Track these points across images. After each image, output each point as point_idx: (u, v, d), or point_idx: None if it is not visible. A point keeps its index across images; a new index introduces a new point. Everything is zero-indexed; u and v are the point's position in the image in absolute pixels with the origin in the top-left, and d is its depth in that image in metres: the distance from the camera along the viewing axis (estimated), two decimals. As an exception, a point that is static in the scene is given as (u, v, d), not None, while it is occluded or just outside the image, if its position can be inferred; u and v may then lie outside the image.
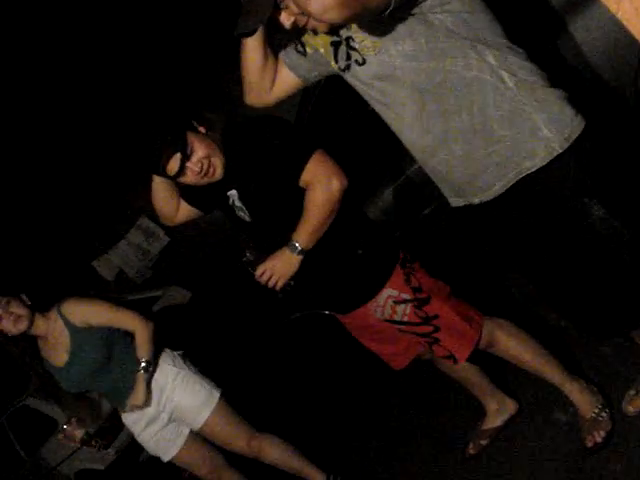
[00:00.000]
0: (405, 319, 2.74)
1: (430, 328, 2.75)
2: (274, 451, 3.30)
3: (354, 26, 1.90)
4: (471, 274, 3.72)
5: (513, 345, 2.84)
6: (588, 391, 2.80)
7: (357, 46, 1.94)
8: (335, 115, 4.43)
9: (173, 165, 2.53)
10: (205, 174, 2.57)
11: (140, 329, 3.14)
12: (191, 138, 2.55)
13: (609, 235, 1.98)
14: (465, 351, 2.77)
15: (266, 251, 2.79)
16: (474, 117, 1.89)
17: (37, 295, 3.18)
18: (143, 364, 3.09)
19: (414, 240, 3.63)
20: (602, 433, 2.68)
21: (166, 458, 3.27)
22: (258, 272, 2.63)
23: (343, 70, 2.04)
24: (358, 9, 1.64)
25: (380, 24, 1.84)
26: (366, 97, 2.05)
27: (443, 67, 1.85)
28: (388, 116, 2.03)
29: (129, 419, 3.27)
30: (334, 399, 4.51)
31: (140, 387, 3.13)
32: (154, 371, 3.17)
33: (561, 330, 3.25)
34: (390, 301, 2.74)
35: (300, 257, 2.59)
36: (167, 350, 3.28)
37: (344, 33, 1.95)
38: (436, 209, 3.86)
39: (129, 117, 6.34)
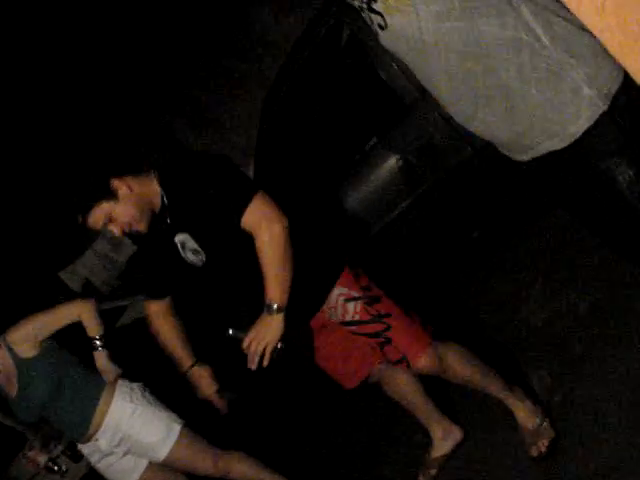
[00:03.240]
0: (356, 317, 2.74)
1: (382, 326, 2.74)
2: (242, 468, 3.28)
3: None
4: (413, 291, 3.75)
5: (457, 360, 2.86)
6: (528, 402, 2.86)
7: (380, 7, 1.80)
8: (302, 118, 4.40)
9: (96, 223, 2.58)
10: (129, 231, 2.60)
11: (83, 311, 3.08)
12: (109, 208, 2.54)
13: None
14: (418, 354, 2.77)
15: (222, 292, 2.76)
16: (512, 77, 1.78)
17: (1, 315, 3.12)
18: (97, 341, 3.04)
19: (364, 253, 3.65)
20: (545, 442, 2.73)
21: None
22: (245, 345, 2.59)
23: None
24: None
25: None
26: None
27: (477, 27, 1.73)
28: (422, 78, 1.92)
29: (85, 450, 3.21)
30: (291, 416, 4.52)
31: (103, 366, 3.06)
32: (106, 407, 3.10)
33: (499, 345, 3.32)
34: (341, 299, 2.74)
35: (281, 315, 2.56)
36: (125, 383, 3.19)
37: None
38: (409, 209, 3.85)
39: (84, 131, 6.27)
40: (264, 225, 2.51)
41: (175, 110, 6.98)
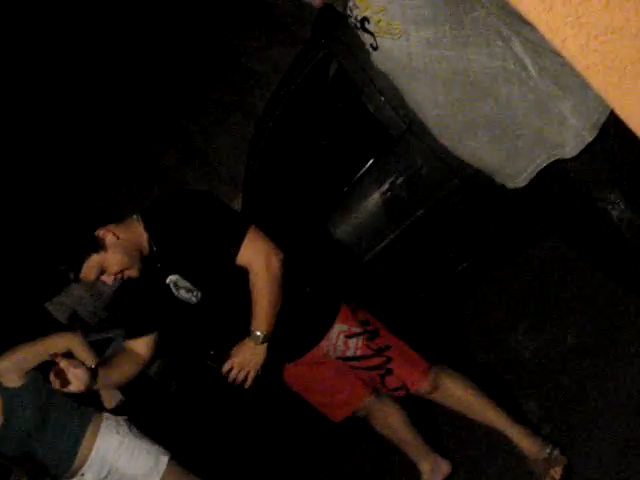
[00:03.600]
0: (358, 353, 2.75)
1: (383, 359, 2.76)
2: None
3: (371, 5, 1.77)
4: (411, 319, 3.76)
5: (457, 386, 2.85)
6: (532, 433, 2.82)
7: (372, 28, 1.81)
8: (290, 150, 4.41)
9: (89, 276, 2.54)
10: (122, 278, 2.58)
11: (71, 342, 3.06)
12: (100, 260, 2.52)
13: (630, 231, 1.89)
14: (417, 380, 2.78)
15: (217, 331, 2.75)
16: (499, 106, 1.79)
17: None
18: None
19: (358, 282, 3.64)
20: (559, 470, 2.69)
21: None
22: (225, 369, 2.59)
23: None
24: None
25: (401, 3, 1.71)
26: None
27: (466, 55, 1.75)
28: (410, 102, 1.94)
29: None
30: (279, 451, 4.50)
31: (102, 390, 3.04)
32: (92, 441, 3.06)
33: (487, 376, 3.32)
34: (342, 336, 2.75)
35: (265, 344, 2.57)
36: (110, 417, 3.18)
37: (359, 14, 1.82)
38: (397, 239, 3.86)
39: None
40: (261, 258, 2.54)
41: (163, 141, 7.00)
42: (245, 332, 2.62)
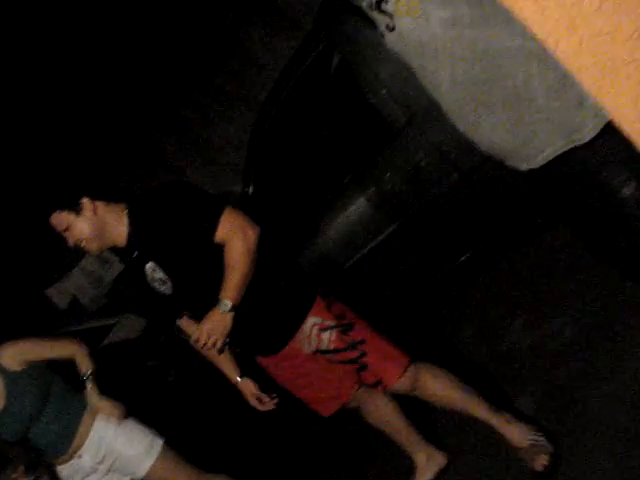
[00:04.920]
0: (332, 346, 2.78)
1: (357, 353, 2.78)
2: None
3: None
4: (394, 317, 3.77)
5: (438, 383, 2.87)
6: (516, 421, 2.81)
7: (390, 8, 1.77)
8: (291, 140, 4.41)
9: (56, 226, 2.83)
10: (79, 246, 2.80)
11: (76, 350, 3.15)
12: (69, 219, 2.77)
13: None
14: (395, 374, 2.79)
15: (195, 316, 2.83)
16: (518, 86, 1.76)
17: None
18: (89, 377, 3.10)
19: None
20: (545, 457, 2.68)
21: None
22: (193, 337, 2.68)
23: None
24: None
25: None
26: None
27: (486, 34, 1.72)
28: (426, 84, 1.91)
29: (64, 472, 3.19)
30: (274, 442, 4.50)
31: (99, 402, 3.10)
32: (90, 423, 3.12)
33: (484, 370, 3.32)
34: (315, 329, 2.78)
35: (232, 314, 2.65)
36: (108, 399, 3.22)
37: None
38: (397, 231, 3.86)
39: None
40: (238, 232, 2.65)
41: (165, 128, 6.99)
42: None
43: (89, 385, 3.13)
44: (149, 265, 2.79)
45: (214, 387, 4.84)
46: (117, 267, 7.04)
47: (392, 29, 1.82)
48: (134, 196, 2.92)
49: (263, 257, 2.71)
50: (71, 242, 2.79)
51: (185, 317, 2.90)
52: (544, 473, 2.74)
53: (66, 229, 2.78)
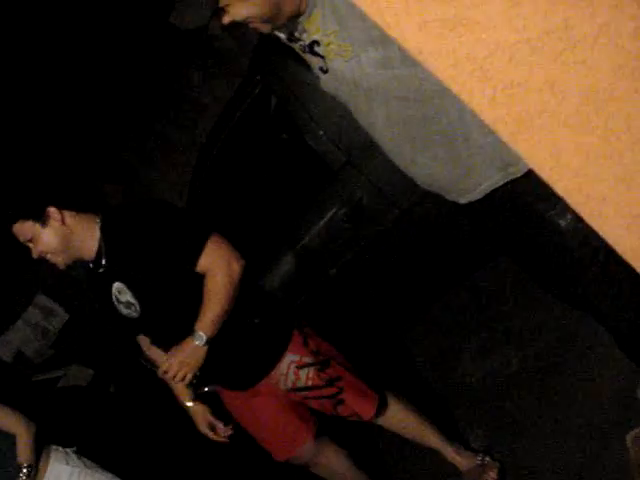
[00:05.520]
0: (309, 383, 2.73)
1: (334, 390, 2.76)
2: None
3: (321, 28, 1.76)
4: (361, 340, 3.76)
5: (399, 410, 2.89)
6: (465, 449, 2.91)
7: (322, 51, 1.80)
8: (232, 182, 4.40)
9: (19, 236, 2.60)
10: (44, 259, 2.60)
11: (22, 433, 2.99)
12: (34, 229, 2.55)
13: (575, 239, 1.91)
14: (370, 410, 2.79)
15: (160, 344, 2.71)
16: (453, 122, 1.79)
17: None
18: (25, 469, 2.94)
19: (309, 305, 3.64)
20: (493, 474, 2.77)
21: None
22: (162, 368, 2.56)
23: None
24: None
25: (351, 25, 1.70)
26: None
27: (418, 74, 1.74)
28: (363, 123, 1.93)
29: None
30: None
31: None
32: (42, 474, 3.01)
33: (434, 402, 3.34)
34: (293, 367, 2.73)
35: (206, 347, 2.53)
36: (59, 448, 3.12)
37: (308, 37, 1.80)
38: (343, 268, 3.87)
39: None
40: (222, 263, 2.53)
41: (105, 174, 6.92)
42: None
43: (22, 478, 2.98)
44: (116, 285, 2.64)
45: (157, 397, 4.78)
46: (62, 318, 6.90)
47: (325, 71, 1.85)
48: (109, 208, 2.74)
49: (241, 291, 2.61)
50: (35, 254, 2.59)
51: (151, 346, 2.77)
52: None
53: (30, 240, 2.58)
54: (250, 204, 4.20)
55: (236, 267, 2.54)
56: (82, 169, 6.62)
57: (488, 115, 0.95)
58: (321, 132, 3.48)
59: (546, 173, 0.98)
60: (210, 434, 2.84)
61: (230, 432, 2.83)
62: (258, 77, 3.83)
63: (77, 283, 6.72)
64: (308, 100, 3.43)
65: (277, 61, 3.60)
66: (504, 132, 0.96)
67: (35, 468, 3.00)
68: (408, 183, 3.19)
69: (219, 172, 4.39)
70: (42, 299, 6.86)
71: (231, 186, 4.35)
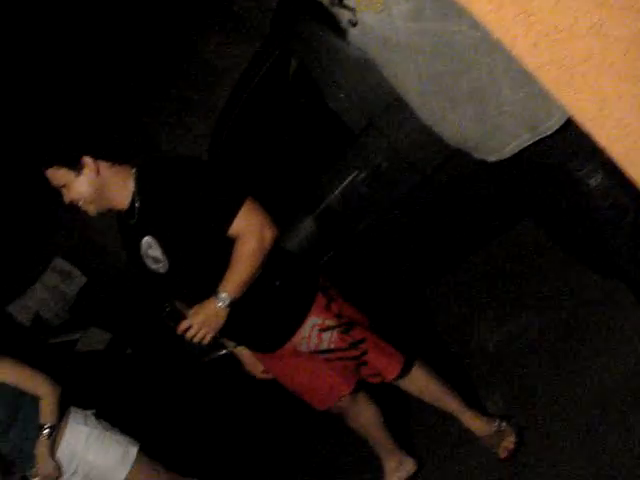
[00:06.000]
0: (332, 346, 2.73)
1: (358, 352, 2.75)
2: None
3: None
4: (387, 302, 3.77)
5: (422, 374, 2.89)
6: (483, 415, 2.91)
7: (352, 3, 1.75)
8: (251, 146, 4.38)
9: (52, 181, 2.59)
10: (76, 205, 2.59)
11: (47, 394, 3.06)
12: (68, 177, 2.53)
13: (606, 199, 1.89)
14: (394, 371, 2.79)
15: (183, 301, 2.70)
16: (483, 78, 1.75)
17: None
18: (47, 430, 3.00)
19: (333, 268, 3.63)
20: (511, 439, 2.78)
21: None
22: (182, 326, 2.54)
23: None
24: None
25: None
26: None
27: (449, 27, 1.70)
28: (391, 78, 1.89)
29: None
30: (253, 439, 4.48)
31: (44, 455, 3.02)
32: (60, 435, 3.06)
33: (452, 369, 3.36)
34: (315, 330, 2.72)
35: (228, 309, 2.51)
36: (78, 410, 3.18)
37: None
38: (363, 232, 3.85)
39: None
40: (255, 229, 2.49)
41: (124, 138, 6.91)
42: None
43: (43, 438, 3.03)
44: (146, 239, 2.61)
45: (192, 391, 4.83)
46: (79, 281, 6.94)
47: (355, 24, 1.80)
48: (146, 160, 2.70)
49: (269, 255, 2.58)
50: (67, 200, 2.58)
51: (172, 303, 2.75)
52: (508, 458, 2.82)
53: (63, 186, 2.57)
54: (269, 168, 4.19)
55: (269, 234, 2.51)
56: (102, 133, 6.62)
57: (531, 61, 0.93)
58: (342, 95, 3.44)
59: (588, 122, 0.96)
60: (258, 372, 2.92)
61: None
62: (279, 39, 3.79)
63: (96, 247, 6.77)
64: (330, 63, 3.40)
65: (299, 23, 3.56)
66: (546, 78, 0.94)
67: (56, 428, 3.05)
68: (430, 148, 3.20)
69: (238, 136, 4.37)
70: (60, 262, 6.89)
71: (250, 150, 4.33)
